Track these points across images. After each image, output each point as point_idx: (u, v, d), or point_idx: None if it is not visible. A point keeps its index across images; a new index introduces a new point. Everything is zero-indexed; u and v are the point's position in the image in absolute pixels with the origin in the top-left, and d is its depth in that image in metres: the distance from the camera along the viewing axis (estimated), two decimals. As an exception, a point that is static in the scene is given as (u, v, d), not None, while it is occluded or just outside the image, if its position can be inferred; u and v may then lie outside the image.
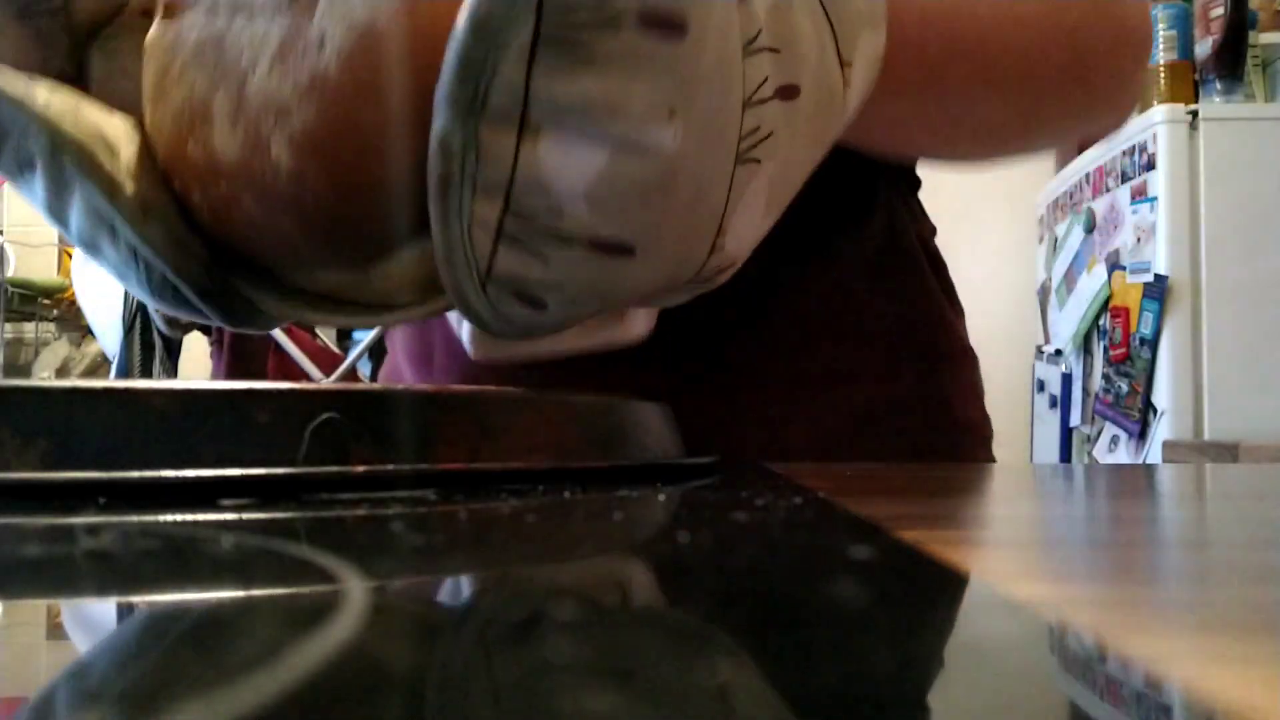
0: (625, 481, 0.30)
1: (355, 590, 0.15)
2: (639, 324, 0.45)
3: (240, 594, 0.15)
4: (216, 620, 0.13)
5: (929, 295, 0.62)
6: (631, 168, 0.29)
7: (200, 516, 0.21)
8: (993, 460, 0.64)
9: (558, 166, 0.29)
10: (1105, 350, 2.07)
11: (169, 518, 0.21)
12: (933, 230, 0.66)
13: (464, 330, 0.43)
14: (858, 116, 0.40)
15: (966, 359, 0.64)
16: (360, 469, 0.25)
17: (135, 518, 0.21)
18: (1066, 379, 2.28)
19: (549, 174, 0.29)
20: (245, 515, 0.22)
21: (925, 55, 0.45)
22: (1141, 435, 1.93)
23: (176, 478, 0.23)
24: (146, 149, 0.31)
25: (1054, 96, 0.50)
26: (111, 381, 0.25)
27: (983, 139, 0.52)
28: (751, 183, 0.32)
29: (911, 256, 0.61)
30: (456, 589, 0.16)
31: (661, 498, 0.27)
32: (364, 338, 2.37)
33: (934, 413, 0.60)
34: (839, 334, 0.58)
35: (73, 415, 0.23)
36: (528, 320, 0.31)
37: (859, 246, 0.59)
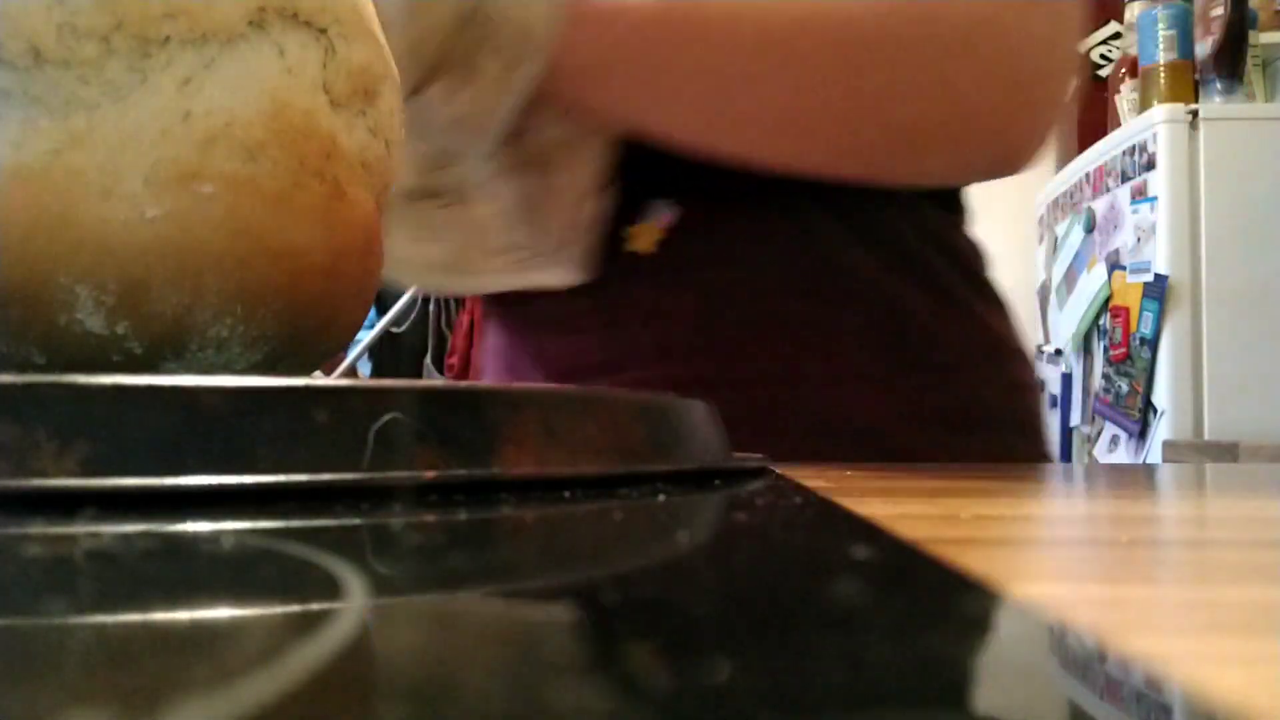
0: (677, 483, 0.29)
1: (381, 598, 0.15)
2: (566, 272, 0.52)
3: (305, 608, 0.15)
4: (291, 637, 0.13)
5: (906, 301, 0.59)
6: None
7: (253, 524, 0.20)
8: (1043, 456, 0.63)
9: None
10: (1105, 350, 2.07)
11: (220, 526, 0.20)
12: (952, 224, 0.63)
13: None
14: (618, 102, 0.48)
15: (1001, 358, 0.62)
16: (431, 474, 0.24)
17: (181, 526, 0.20)
18: (1066, 379, 2.28)
19: None
20: (298, 523, 0.21)
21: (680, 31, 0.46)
22: (1141, 435, 1.93)
23: (233, 484, 0.22)
24: None
25: (884, 91, 0.46)
26: (157, 378, 0.23)
27: (791, 133, 0.48)
28: None
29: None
30: (458, 594, 0.16)
31: (661, 498, 0.27)
32: (364, 337, 2.37)
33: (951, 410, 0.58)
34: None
35: (116, 415, 0.22)
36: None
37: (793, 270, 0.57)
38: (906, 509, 0.27)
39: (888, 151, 0.51)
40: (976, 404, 0.59)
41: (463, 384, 0.27)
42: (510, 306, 0.63)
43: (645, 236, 0.55)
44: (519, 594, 0.16)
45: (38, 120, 0.26)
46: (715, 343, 0.57)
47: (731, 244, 0.56)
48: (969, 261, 0.64)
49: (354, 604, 0.14)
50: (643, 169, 0.54)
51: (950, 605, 0.15)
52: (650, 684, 0.11)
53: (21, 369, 0.28)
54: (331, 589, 0.15)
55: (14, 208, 0.26)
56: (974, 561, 0.18)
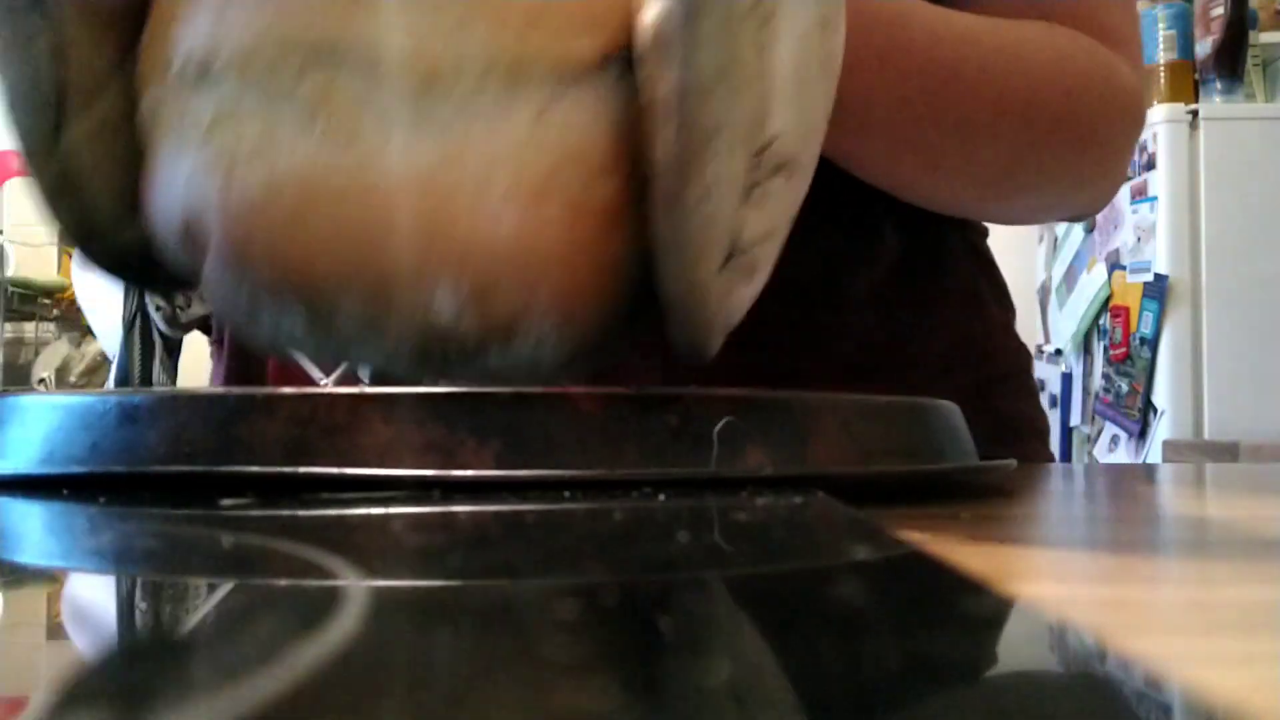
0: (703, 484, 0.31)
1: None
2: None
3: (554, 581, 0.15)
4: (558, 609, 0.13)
5: (969, 309, 0.61)
6: (815, 44, 0.27)
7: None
8: (1050, 457, 0.65)
9: (783, 57, 0.25)
10: (1105, 350, 2.07)
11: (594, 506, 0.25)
12: (983, 233, 0.66)
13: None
14: (859, 135, 0.43)
15: (1018, 363, 0.64)
16: (768, 471, 0.28)
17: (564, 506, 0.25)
18: (1066, 379, 2.28)
19: (778, 68, 0.25)
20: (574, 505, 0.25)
21: (929, 71, 0.45)
22: (1141, 435, 1.93)
23: (604, 474, 0.27)
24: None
25: (1046, 142, 0.49)
26: (546, 390, 0.29)
27: (973, 177, 0.51)
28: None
29: (940, 273, 0.60)
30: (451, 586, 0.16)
31: (662, 497, 0.27)
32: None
33: (991, 426, 0.59)
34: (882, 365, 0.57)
35: (520, 417, 0.28)
36: (742, 300, 0.30)
37: (867, 277, 0.57)
38: (906, 509, 0.27)
39: (1033, 185, 0.53)
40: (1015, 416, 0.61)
41: (781, 394, 0.31)
42: None
43: None
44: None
45: (419, 140, 0.30)
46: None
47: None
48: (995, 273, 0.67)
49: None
50: None
51: (950, 605, 0.15)
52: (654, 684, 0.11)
53: (373, 356, 0.32)
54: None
55: (397, 216, 0.30)
56: (974, 561, 0.18)
